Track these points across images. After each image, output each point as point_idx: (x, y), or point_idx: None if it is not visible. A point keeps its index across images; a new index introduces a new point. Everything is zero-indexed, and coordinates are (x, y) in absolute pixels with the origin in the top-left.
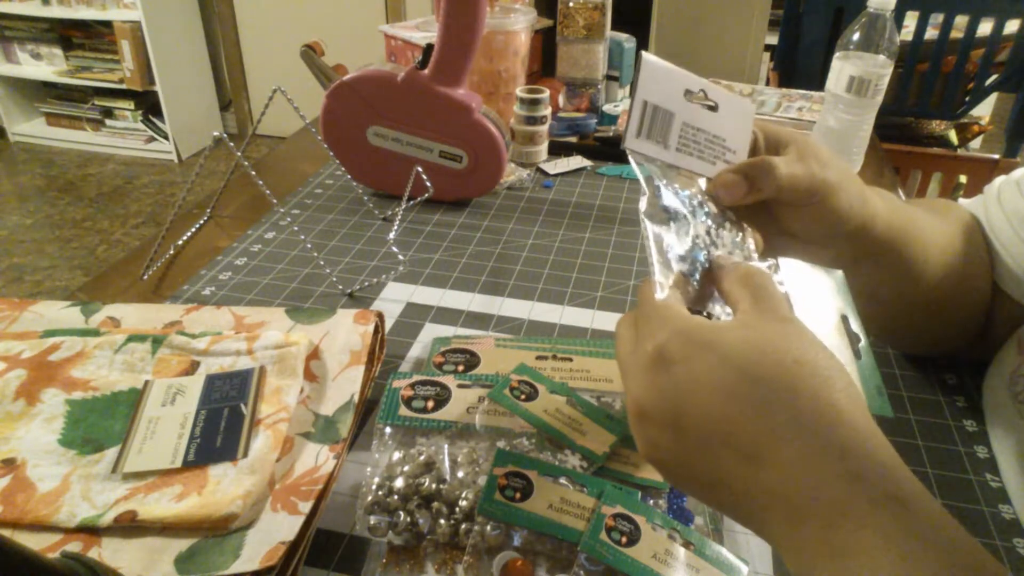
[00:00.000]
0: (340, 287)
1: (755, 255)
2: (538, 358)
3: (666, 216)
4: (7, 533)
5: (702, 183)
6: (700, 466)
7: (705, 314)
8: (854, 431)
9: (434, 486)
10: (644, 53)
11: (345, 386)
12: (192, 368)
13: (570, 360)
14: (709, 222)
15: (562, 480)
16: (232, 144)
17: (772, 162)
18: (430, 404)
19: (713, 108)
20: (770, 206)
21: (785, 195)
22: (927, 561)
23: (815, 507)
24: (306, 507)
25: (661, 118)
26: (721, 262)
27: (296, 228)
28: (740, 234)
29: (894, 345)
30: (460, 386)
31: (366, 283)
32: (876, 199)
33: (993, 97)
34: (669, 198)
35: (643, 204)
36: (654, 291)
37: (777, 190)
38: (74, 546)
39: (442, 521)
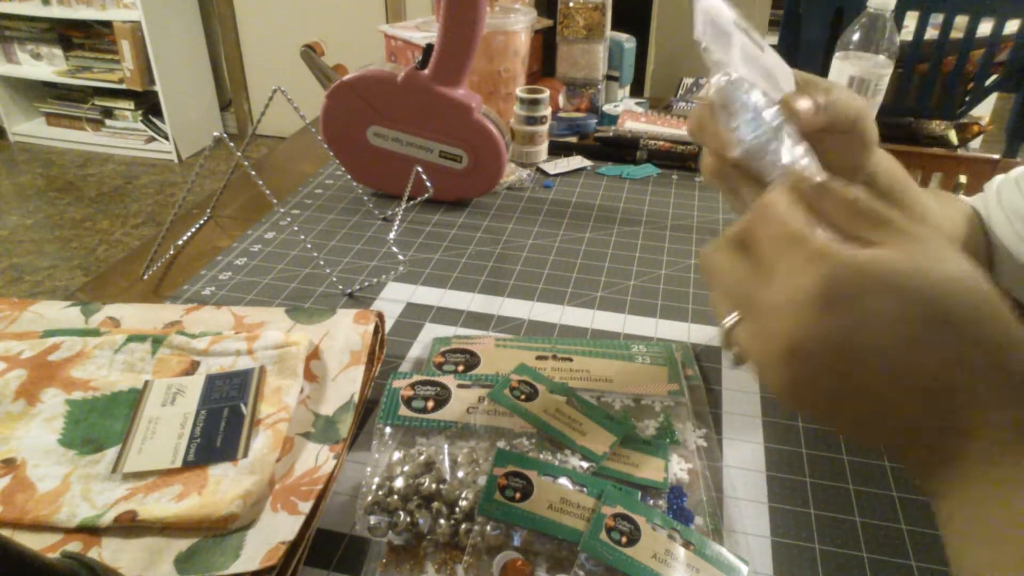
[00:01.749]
0: (340, 287)
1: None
2: (538, 358)
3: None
4: (7, 533)
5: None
6: (862, 403)
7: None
8: None
9: (434, 486)
10: None
11: (345, 386)
12: (192, 368)
13: (570, 360)
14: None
15: (562, 480)
16: (232, 144)
17: (828, 84)
18: (430, 404)
19: (760, 48)
20: (811, 140)
21: (840, 118)
22: None
23: (990, 434)
24: (306, 507)
25: (721, 34)
26: (801, 183)
27: (296, 228)
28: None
29: None
30: (460, 386)
31: (366, 283)
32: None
33: (993, 97)
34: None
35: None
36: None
37: (836, 113)
38: (74, 546)
39: (442, 521)
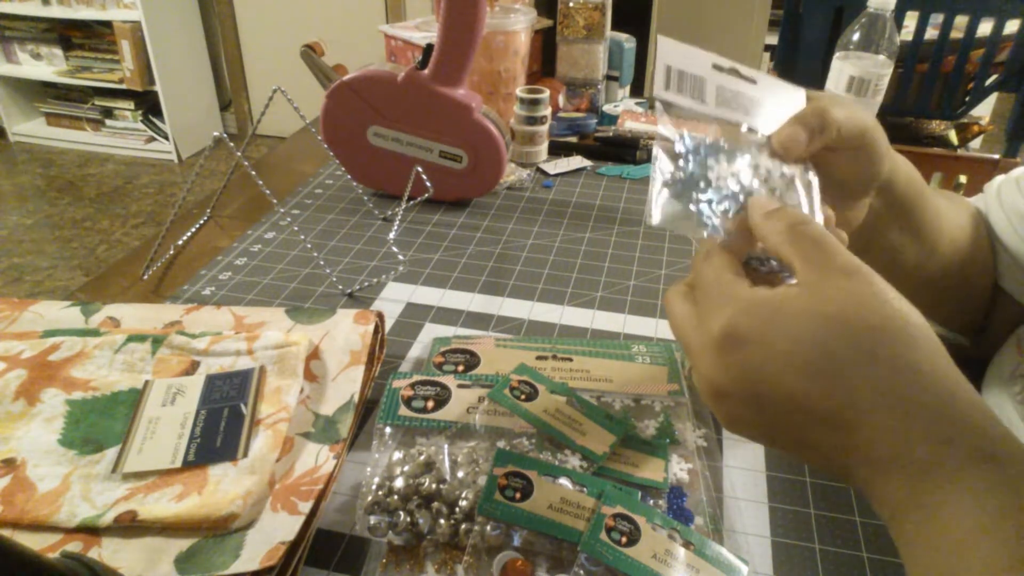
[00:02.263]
0: (340, 287)
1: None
2: (538, 358)
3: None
4: (7, 533)
5: (748, 133)
6: (785, 434)
7: (764, 267)
8: (939, 395)
9: (434, 486)
10: (660, 36)
11: (345, 386)
12: (192, 368)
13: (570, 360)
14: (752, 160)
15: (562, 480)
16: (232, 144)
17: (823, 106)
18: (430, 404)
19: (751, 81)
20: (818, 159)
21: (843, 136)
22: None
23: (903, 466)
24: (306, 507)
25: (690, 80)
26: (756, 210)
27: (296, 228)
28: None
29: None
30: (460, 386)
31: (366, 283)
32: (894, 152)
33: (993, 97)
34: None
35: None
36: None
37: (837, 132)
38: (74, 546)
39: (442, 521)
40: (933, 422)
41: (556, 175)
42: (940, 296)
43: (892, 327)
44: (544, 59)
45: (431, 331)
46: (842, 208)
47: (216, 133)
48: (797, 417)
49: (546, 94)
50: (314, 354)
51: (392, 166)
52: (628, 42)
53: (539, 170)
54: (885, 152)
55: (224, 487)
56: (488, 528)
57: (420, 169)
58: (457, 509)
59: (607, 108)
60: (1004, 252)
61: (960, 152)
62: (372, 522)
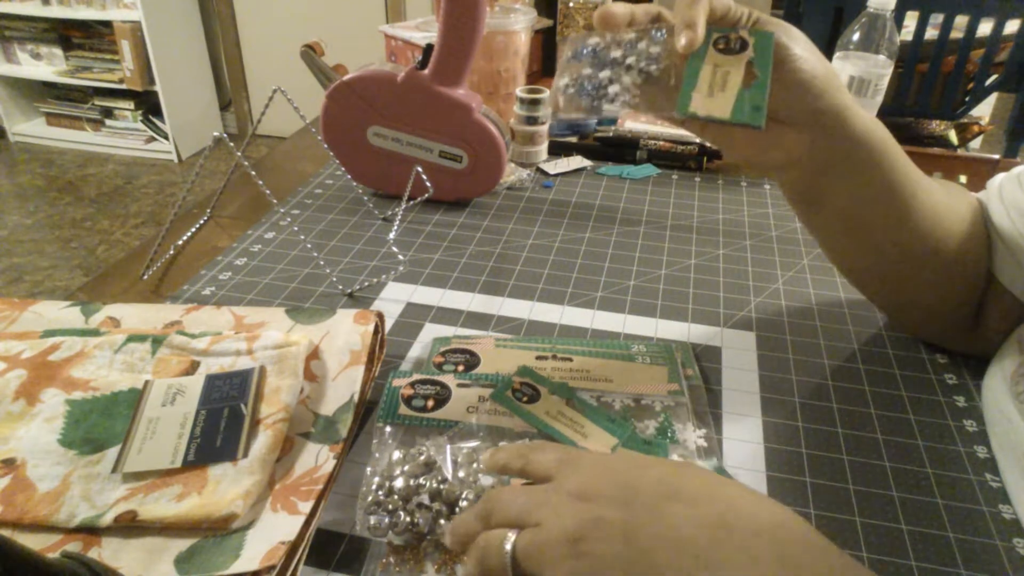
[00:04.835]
0: (340, 287)
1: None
2: (538, 358)
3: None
4: (7, 533)
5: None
6: None
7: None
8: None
9: (434, 486)
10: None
11: (345, 386)
12: (192, 368)
13: (570, 360)
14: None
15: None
16: (232, 144)
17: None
18: (430, 403)
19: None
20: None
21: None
22: None
23: None
24: (306, 507)
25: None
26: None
27: (296, 228)
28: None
29: (892, 314)
30: (460, 386)
31: (366, 283)
32: (856, 104)
33: (993, 97)
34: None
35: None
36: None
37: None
38: (74, 546)
39: (442, 521)
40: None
41: (556, 175)
42: (925, 275)
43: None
44: (544, 59)
45: (431, 331)
46: (778, 143)
47: (216, 133)
48: None
49: (546, 94)
50: (314, 354)
51: (392, 166)
52: None
53: (539, 170)
54: (812, 74)
55: (224, 487)
56: None
57: (420, 169)
58: (457, 509)
59: None
60: (1003, 246)
61: (960, 152)
62: (372, 522)
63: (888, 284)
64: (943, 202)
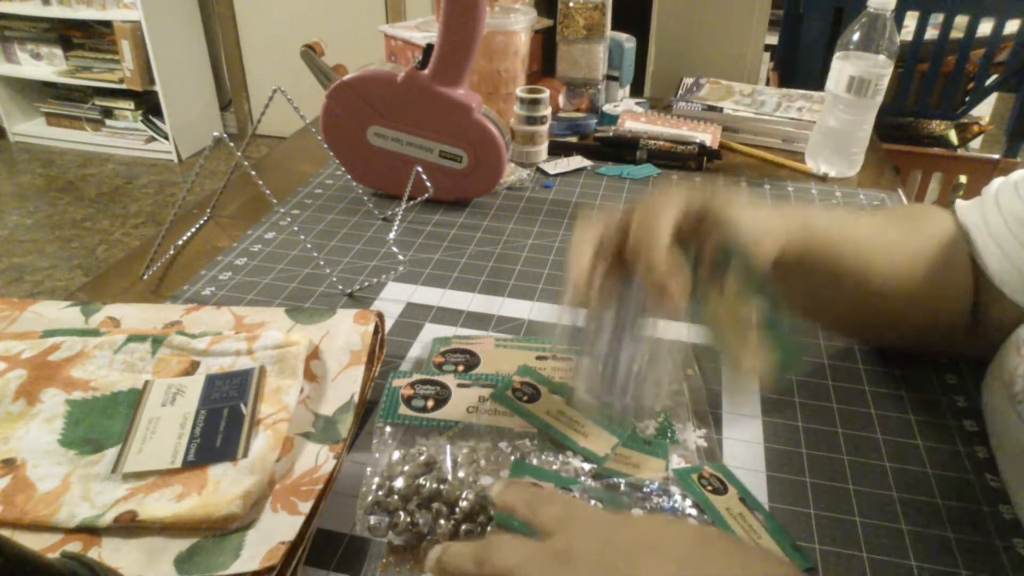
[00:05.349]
0: (340, 287)
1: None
2: (538, 358)
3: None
4: (7, 533)
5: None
6: None
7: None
8: None
9: (434, 486)
10: None
11: (345, 386)
12: (192, 368)
13: (570, 360)
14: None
15: (575, 493)
16: (232, 144)
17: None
18: (430, 403)
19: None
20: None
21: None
22: None
23: None
24: (306, 507)
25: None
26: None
27: (296, 228)
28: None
29: (874, 343)
30: (460, 386)
31: (366, 283)
32: (785, 218)
33: (993, 97)
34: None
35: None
36: None
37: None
38: (74, 546)
39: (442, 521)
40: None
41: (556, 175)
42: (897, 318)
43: None
44: (544, 59)
45: (431, 331)
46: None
47: (216, 133)
48: None
49: (546, 94)
50: (314, 354)
51: (392, 166)
52: (628, 42)
53: (539, 170)
54: (762, 237)
55: (224, 487)
56: (489, 528)
57: (420, 169)
58: (457, 509)
59: (607, 108)
60: (1001, 256)
61: (960, 152)
62: (372, 522)
63: (872, 329)
64: (901, 247)
